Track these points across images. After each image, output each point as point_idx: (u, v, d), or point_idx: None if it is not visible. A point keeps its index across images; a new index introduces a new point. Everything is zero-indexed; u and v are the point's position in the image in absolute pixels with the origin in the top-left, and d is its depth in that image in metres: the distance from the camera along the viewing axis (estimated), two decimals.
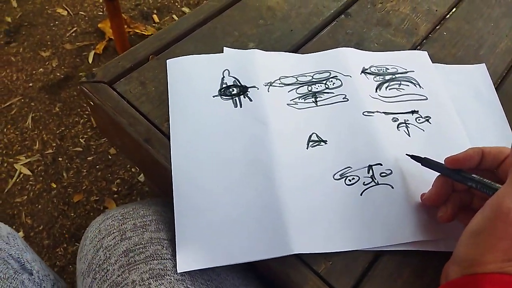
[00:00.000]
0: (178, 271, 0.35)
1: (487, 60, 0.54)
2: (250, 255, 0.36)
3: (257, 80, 0.47)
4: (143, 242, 0.38)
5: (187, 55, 0.49)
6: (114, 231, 0.40)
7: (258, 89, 0.46)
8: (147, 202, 0.44)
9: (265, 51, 0.50)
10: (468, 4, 0.62)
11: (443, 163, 0.37)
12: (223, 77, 0.47)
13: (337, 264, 0.36)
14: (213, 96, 0.45)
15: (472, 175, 0.35)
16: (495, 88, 0.51)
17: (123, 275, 0.36)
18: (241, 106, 0.45)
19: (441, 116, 0.47)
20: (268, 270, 0.37)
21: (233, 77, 0.47)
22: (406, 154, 0.40)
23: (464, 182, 0.36)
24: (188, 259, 0.36)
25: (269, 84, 0.47)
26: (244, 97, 0.45)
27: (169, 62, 0.48)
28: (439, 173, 0.38)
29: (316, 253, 0.36)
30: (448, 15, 0.60)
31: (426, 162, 0.39)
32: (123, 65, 0.48)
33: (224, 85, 0.46)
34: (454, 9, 0.61)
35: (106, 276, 0.37)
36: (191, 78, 0.47)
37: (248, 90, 0.46)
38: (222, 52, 0.50)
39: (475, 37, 0.57)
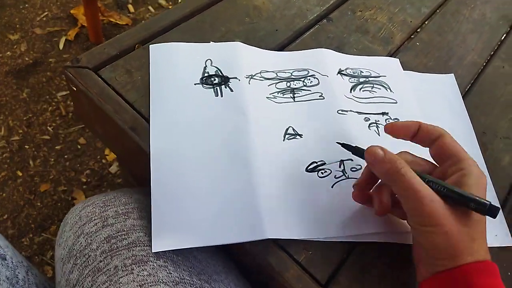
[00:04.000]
0: (152, 251, 0.36)
1: (455, 71, 0.58)
2: (225, 238, 0.37)
3: (238, 72, 0.48)
4: (125, 229, 0.38)
5: None
6: (96, 217, 0.40)
7: (239, 80, 0.47)
8: (128, 191, 0.44)
9: (247, 45, 0.51)
10: (440, 18, 0.66)
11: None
12: (206, 66, 0.48)
13: (315, 253, 0.38)
14: (195, 84, 0.46)
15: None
16: (462, 97, 0.55)
17: (105, 260, 0.36)
18: (221, 96, 0.46)
19: (408, 119, 0.49)
20: (251, 259, 0.38)
21: (215, 67, 0.48)
22: (337, 142, 0.42)
23: None
24: (163, 240, 0.36)
25: (250, 76, 0.48)
26: (225, 87, 0.46)
27: (152, 47, 0.48)
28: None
29: (294, 242, 0.38)
30: (422, 27, 0.64)
31: (356, 150, 0.40)
32: (108, 52, 0.47)
33: (206, 74, 0.47)
34: (427, 22, 0.65)
35: (88, 261, 0.37)
36: (174, 64, 0.47)
37: (230, 81, 0.47)
38: None
39: (445, 49, 0.61)
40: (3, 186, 0.96)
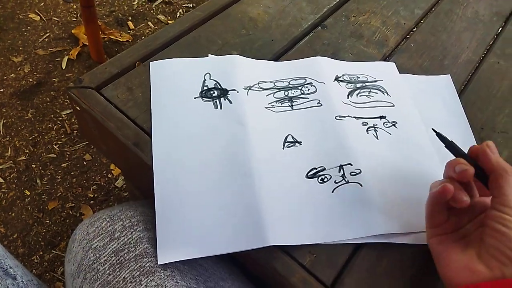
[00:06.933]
0: (158, 263, 0.36)
1: (451, 70, 0.58)
2: (228, 247, 0.38)
3: (237, 84, 0.49)
4: (132, 242, 0.39)
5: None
6: (103, 232, 0.41)
7: (238, 92, 0.48)
8: (134, 204, 0.45)
9: (244, 57, 0.53)
10: (434, 18, 0.67)
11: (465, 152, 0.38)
12: (205, 80, 0.49)
13: (320, 256, 0.39)
14: (195, 98, 0.47)
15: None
16: (458, 95, 0.55)
17: (113, 273, 0.37)
18: (221, 108, 0.47)
19: (406, 121, 0.50)
20: (256, 265, 0.39)
21: (214, 80, 0.49)
22: (432, 129, 0.41)
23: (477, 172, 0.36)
24: (168, 252, 0.37)
25: (248, 88, 0.49)
26: (224, 99, 0.48)
27: (152, 64, 0.50)
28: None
29: (298, 246, 0.39)
30: (415, 28, 0.65)
31: (449, 145, 0.40)
32: (110, 71, 0.49)
33: (205, 88, 0.48)
34: (420, 23, 0.66)
35: (97, 275, 0.38)
36: (174, 80, 0.49)
37: (228, 93, 0.48)
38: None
39: (439, 48, 0.62)
40: (11, 206, 0.97)
